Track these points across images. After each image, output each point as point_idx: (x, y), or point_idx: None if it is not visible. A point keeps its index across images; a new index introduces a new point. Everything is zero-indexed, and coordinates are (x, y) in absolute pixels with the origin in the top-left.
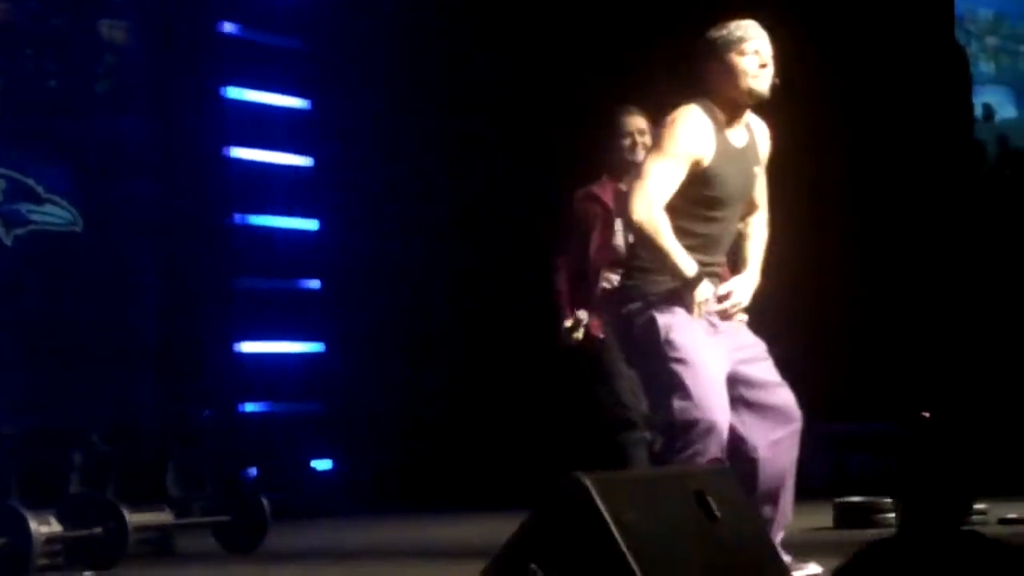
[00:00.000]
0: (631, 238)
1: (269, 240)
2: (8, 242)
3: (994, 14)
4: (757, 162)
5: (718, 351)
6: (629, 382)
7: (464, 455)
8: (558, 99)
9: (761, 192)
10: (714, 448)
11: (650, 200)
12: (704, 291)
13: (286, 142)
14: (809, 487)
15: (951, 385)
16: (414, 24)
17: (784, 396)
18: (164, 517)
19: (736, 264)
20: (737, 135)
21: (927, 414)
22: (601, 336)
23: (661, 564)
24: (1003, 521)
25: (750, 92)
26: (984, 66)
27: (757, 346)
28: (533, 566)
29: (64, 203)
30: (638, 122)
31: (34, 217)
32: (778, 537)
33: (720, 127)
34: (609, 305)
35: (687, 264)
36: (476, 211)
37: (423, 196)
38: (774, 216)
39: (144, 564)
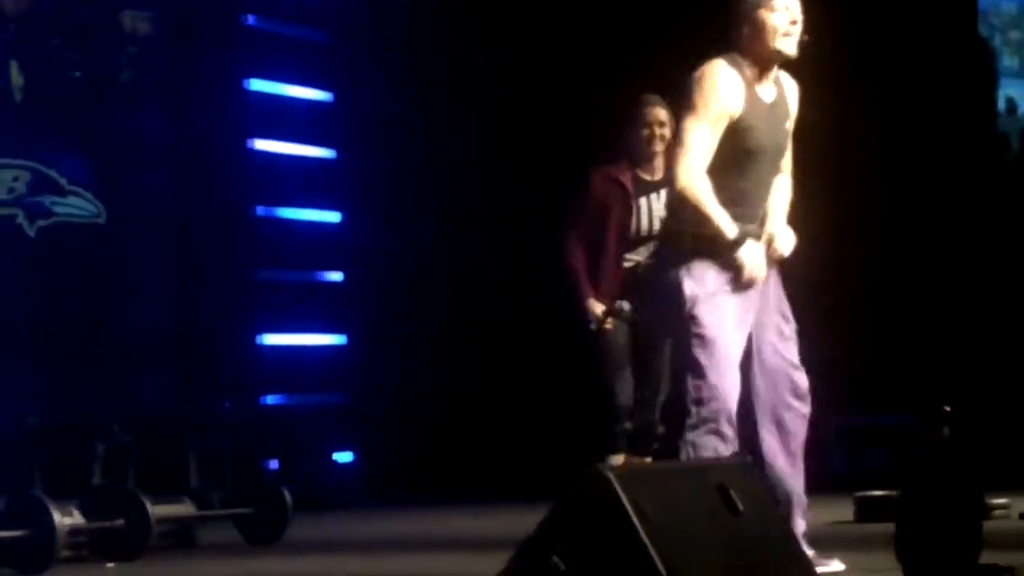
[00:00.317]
0: (655, 216)
1: (291, 232)
2: (32, 234)
3: (1017, 7)
4: (787, 117)
5: (742, 331)
6: (624, 379)
7: (485, 447)
8: (580, 93)
9: (787, 155)
10: (725, 426)
11: (691, 166)
12: (749, 253)
13: (309, 134)
14: (828, 481)
15: (971, 379)
16: (436, 17)
17: (800, 379)
18: (186, 509)
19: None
20: (766, 90)
21: (947, 408)
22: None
23: (682, 557)
24: None
25: (780, 50)
26: (1008, 60)
27: (790, 324)
28: (555, 558)
29: (88, 195)
30: (659, 114)
31: (57, 209)
32: (800, 526)
33: (749, 82)
34: (637, 278)
35: (730, 227)
36: (499, 204)
37: (445, 189)
38: (792, 209)
39: (166, 556)
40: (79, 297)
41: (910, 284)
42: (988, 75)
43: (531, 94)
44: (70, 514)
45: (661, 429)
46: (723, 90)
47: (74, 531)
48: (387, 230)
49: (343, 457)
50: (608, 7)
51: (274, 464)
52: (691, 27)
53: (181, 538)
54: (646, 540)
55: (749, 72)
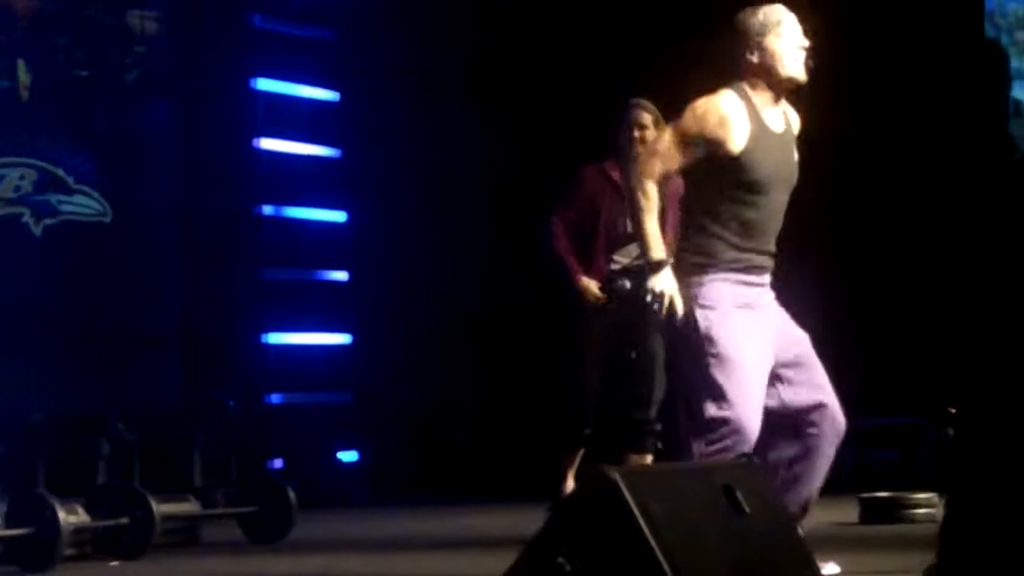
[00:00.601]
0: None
1: (297, 231)
2: (38, 232)
3: None
4: (794, 149)
5: (761, 346)
6: (596, 383)
7: (490, 446)
8: (588, 92)
9: None
10: (743, 448)
11: (643, 172)
12: (661, 281)
13: (315, 134)
14: (833, 481)
15: (977, 380)
16: (443, 16)
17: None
18: (191, 507)
19: None
20: (774, 119)
21: (953, 410)
22: None
23: (688, 557)
24: None
25: (791, 76)
26: (1015, 61)
27: (805, 344)
28: (561, 559)
29: (94, 194)
30: (645, 117)
31: (64, 208)
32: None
33: (756, 112)
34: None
35: (656, 247)
36: (504, 203)
37: (451, 188)
38: (801, 213)
39: (170, 554)
40: (85, 296)
41: (916, 285)
42: (999, 78)
43: (539, 94)
44: (75, 512)
45: (659, 426)
46: (719, 118)
47: (79, 529)
48: (392, 229)
49: (347, 456)
50: (621, 8)
51: (278, 463)
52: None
53: (185, 536)
54: (652, 541)
55: (756, 101)
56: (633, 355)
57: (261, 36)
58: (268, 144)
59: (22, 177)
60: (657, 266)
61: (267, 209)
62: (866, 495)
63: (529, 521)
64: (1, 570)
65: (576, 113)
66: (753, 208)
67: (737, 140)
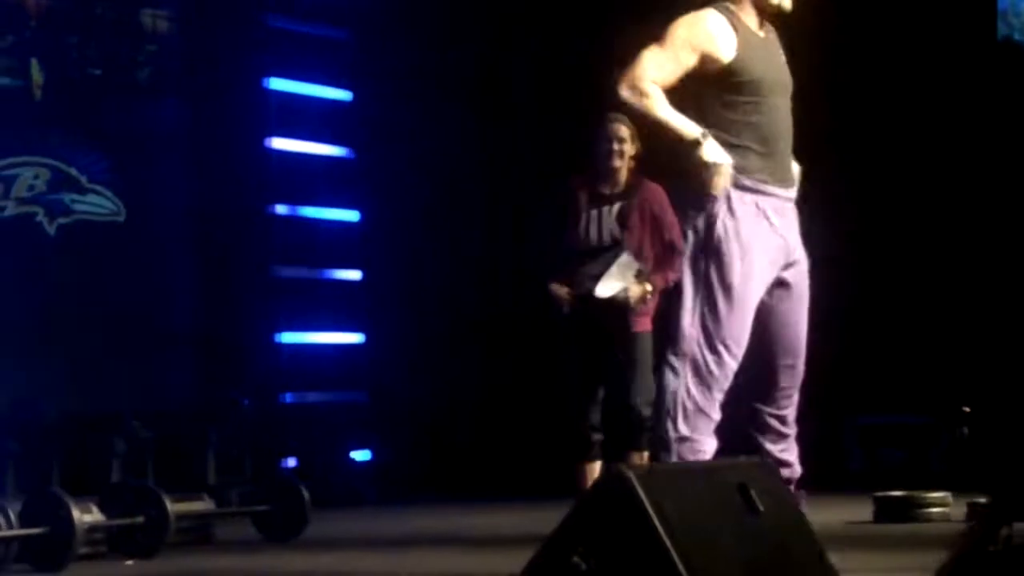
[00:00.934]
0: (604, 228)
1: (310, 231)
2: (51, 231)
3: None
4: (782, 54)
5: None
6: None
7: (502, 445)
8: (598, 92)
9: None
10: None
11: (633, 77)
12: (712, 151)
13: (327, 133)
14: (846, 480)
15: (990, 379)
16: (456, 16)
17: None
18: (205, 506)
19: None
20: (757, 28)
21: (966, 408)
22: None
23: (703, 555)
24: None
25: (779, 4)
26: None
27: (802, 267)
28: (576, 558)
29: (107, 193)
30: (621, 130)
31: (77, 207)
32: None
33: (740, 22)
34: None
35: (688, 126)
36: (516, 203)
37: (464, 188)
38: (814, 208)
39: (184, 552)
40: (98, 295)
41: (930, 284)
42: (1018, 78)
43: (552, 93)
44: (89, 511)
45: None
46: (702, 28)
47: (93, 528)
48: (405, 229)
49: (361, 455)
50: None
51: (292, 461)
52: None
53: (199, 535)
54: (666, 540)
55: (739, 15)
56: (620, 355)
57: (273, 35)
58: (280, 144)
59: (36, 176)
60: (698, 142)
61: (280, 208)
62: (880, 494)
63: (541, 520)
64: (16, 568)
65: (591, 114)
66: (757, 111)
67: (725, 49)
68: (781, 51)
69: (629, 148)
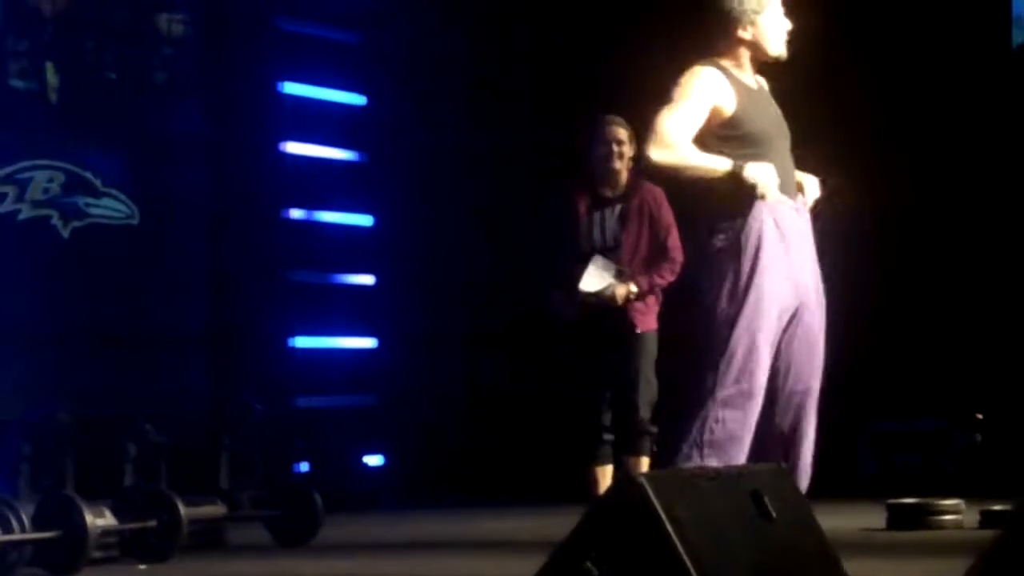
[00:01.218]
0: (607, 230)
1: (323, 235)
2: (65, 235)
3: None
4: (775, 104)
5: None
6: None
7: (516, 449)
8: (615, 92)
9: None
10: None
11: (656, 138)
12: (756, 170)
13: (342, 137)
14: (859, 487)
15: (1003, 384)
16: (470, 19)
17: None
18: (218, 510)
19: None
20: (750, 81)
21: (980, 415)
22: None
23: (715, 563)
24: None
25: (779, 55)
26: None
27: (819, 294)
28: (588, 564)
29: (122, 196)
30: (619, 132)
31: (91, 210)
32: None
33: (734, 76)
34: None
35: (721, 162)
36: (530, 207)
37: (477, 192)
38: (830, 223)
39: (197, 557)
40: (112, 298)
41: (944, 290)
42: None
43: (566, 98)
44: (102, 514)
45: (655, 428)
46: (707, 83)
47: (106, 532)
48: (418, 233)
49: (373, 459)
50: (649, 19)
51: (305, 466)
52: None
53: (212, 539)
54: (679, 546)
55: (733, 70)
56: (622, 355)
57: (288, 40)
58: (294, 148)
59: (51, 179)
60: (738, 170)
61: (294, 212)
62: (893, 501)
63: (554, 524)
64: (29, 572)
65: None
66: (763, 159)
67: (726, 103)
68: (774, 102)
69: (628, 149)
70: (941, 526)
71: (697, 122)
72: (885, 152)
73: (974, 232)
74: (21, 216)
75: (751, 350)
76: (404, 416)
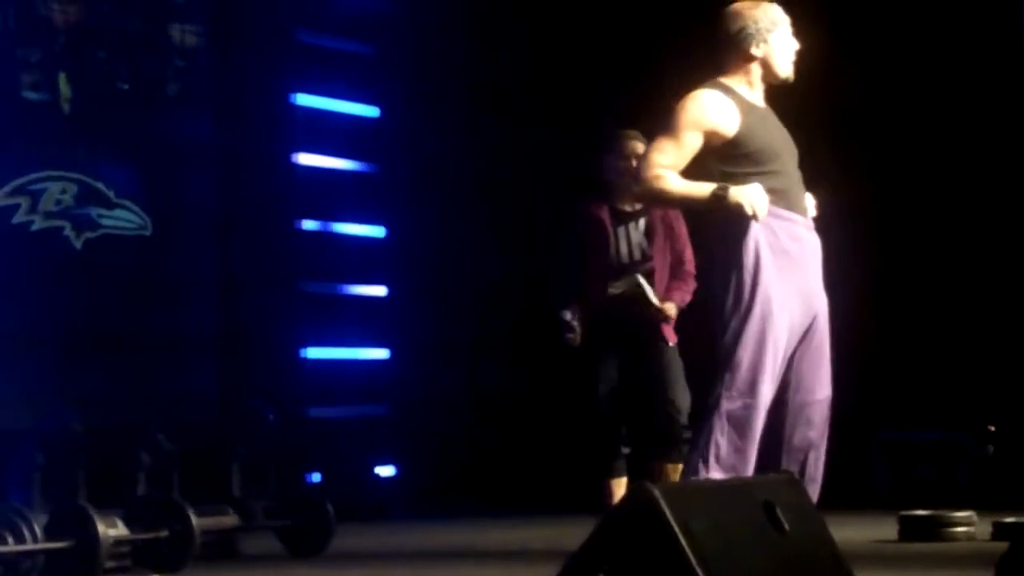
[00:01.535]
0: (634, 245)
1: (336, 246)
2: (78, 246)
3: None
4: (779, 123)
5: (777, 370)
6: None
7: (528, 459)
8: (631, 106)
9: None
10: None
11: (643, 170)
12: (743, 191)
13: (354, 149)
14: (871, 498)
15: (1015, 396)
16: (484, 32)
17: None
18: (230, 520)
19: None
20: (756, 99)
21: (993, 427)
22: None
23: (728, 574)
24: None
25: (788, 77)
26: None
27: (823, 314)
28: (601, 575)
29: (135, 207)
30: (637, 147)
31: (104, 221)
32: None
33: (738, 96)
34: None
35: (704, 187)
36: (544, 219)
37: (490, 204)
38: (838, 226)
39: (209, 567)
40: (124, 309)
41: (956, 301)
42: None
43: (579, 110)
44: (114, 524)
45: (688, 435)
46: (705, 108)
47: (118, 541)
48: (431, 244)
49: (385, 470)
50: (669, 21)
51: (317, 476)
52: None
53: (224, 549)
54: (692, 557)
55: (738, 88)
56: (654, 365)
57: (301, 51)
58: (307, 159)
59: (63, 191)
60: (721, 192)
61: (306, 223)
62: (905, 513)
63: (566, 535)
64: None
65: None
66: (771, 177)
67: (728, 123)
68: (779, 123)
69: None
70: (953, 538)
71: (689, 151)
72: (895, 159)
73: (989, 243)
74: (34, 227)
75: (756, 364)
76: (416, 426)
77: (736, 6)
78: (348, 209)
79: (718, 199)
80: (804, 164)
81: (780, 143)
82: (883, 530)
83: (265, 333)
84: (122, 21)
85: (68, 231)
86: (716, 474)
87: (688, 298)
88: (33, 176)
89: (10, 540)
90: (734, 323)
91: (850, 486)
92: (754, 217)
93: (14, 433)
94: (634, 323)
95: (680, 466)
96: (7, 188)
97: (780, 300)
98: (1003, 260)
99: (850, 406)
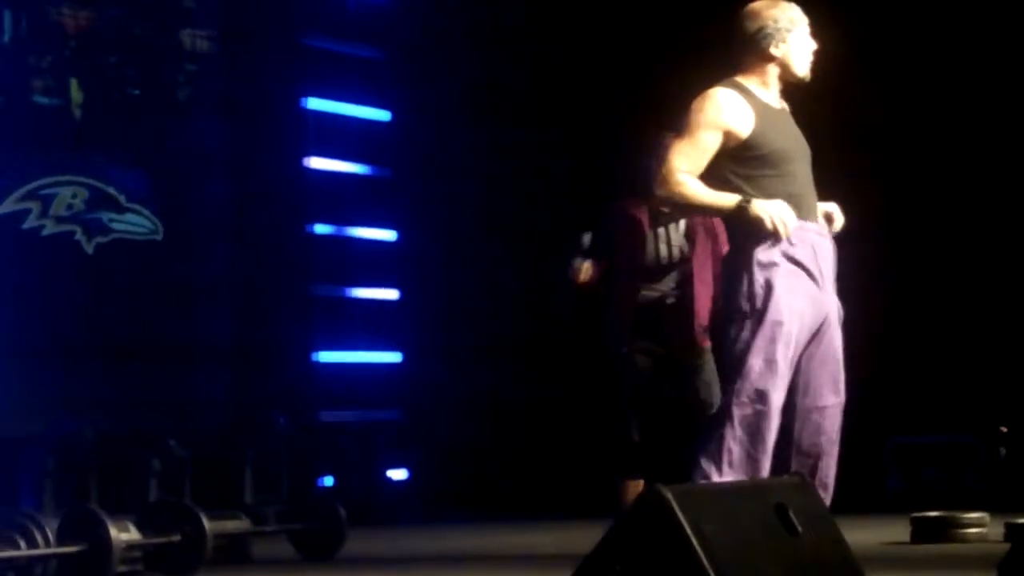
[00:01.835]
0: (673, 246)
1: (347, 250)
2: (89, 250)
3: None
4: (796, 126)
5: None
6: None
7: (539, 463)
8: (640, 112)
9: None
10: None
11: (664, 174)
12: (762, 205)
13: (366, 152)
14: (883, 500)
15: None
16: (494, 36)
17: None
18: (242, 524)
19: None
20: (772, 100)
21: (1005, 428)
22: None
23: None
24: None
25: (805, 77)
26: None
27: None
28: None
29: (145, 212)
30: None
31: (115, 226)
32: None
33: (753, 96)
34: (661, 310)
35: (728, 198)
36: (555, 221)
37: (501, 207)
38: (849, 231)
39: (221, 571)
40: (136, 313)
41: (968, 303)
42: None
43: (591, 114)
44: (126, 529)
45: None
46: (720, 109)
47: (130, 546)
48: (442, 248)
49: (397, 474)
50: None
51: (329, 480)
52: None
53: (236, 553)
54: (704, 560)
55: (753, 88)
56: (691, 362)
57: (311, 55)
58: (318, 163)
59: (74, 195)
60: (744, 205)
61: (318, 228)
62: (917, 515)
63: (578, 538)
64: None
65: (633, 131)
66: (784, 179)
67: (743, 124)
68: (794, 123)
69: None
70: (966, 539)
71: (707, 152)
72: (907, 162)
73: (999, 248)
74: (45, 232)
75: (768, 368)
76: (428, 430)
77: (755, 5)
78: (359, 213)
79: (742, 210)
80: (815, 170)
81: (794, 145)
82: (895, 532)
83: (277, 337)
84: (133, 26)
85: (79, 236)
86: (728, 477)
87: None
88: (44, 181)
89: (22, 544)
90: (745, 331)
91: (862, 490)
92: (776, 234)
93: (26, 438)
94: (667, 325)
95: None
96: (18, 193)
97: (791, 307)
98: (1013, 265)
99: (863, 410)
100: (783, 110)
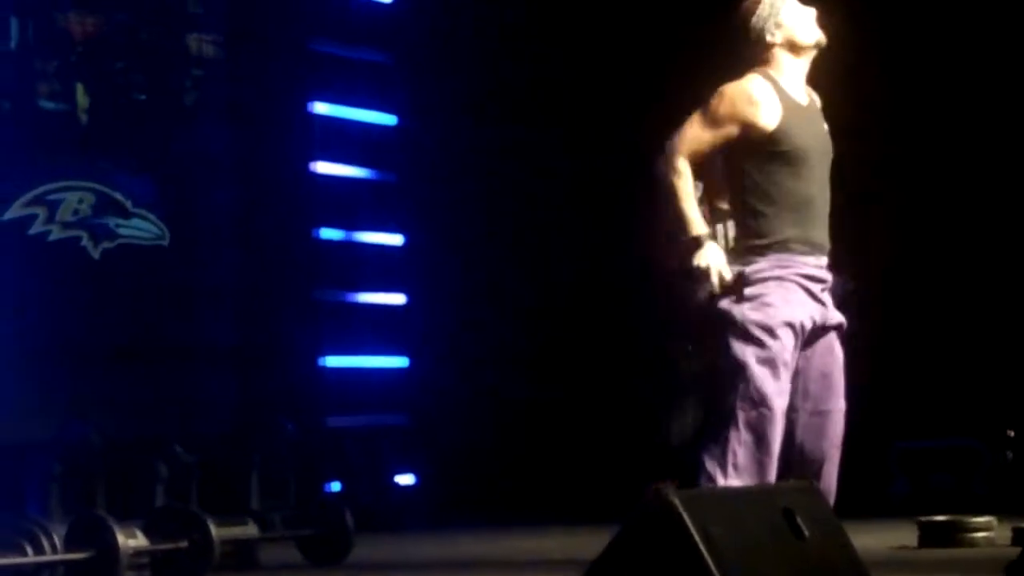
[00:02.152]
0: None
1: (354, 255)
2: (96, 256)
3: None
4: (823, 121)
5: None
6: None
7: (547, 468)
8: (648, 117)
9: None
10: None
11: (670, 151)
12: (707, 255)
13: (372, 157)
14: (890, 505)
15: None
16: (501, 40)
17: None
18: (249, 530)
19: None
20: (800, 95)
21: (1011, 432)
22: None
23: None
24: None
25: (817, 40)
26: None
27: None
28: None
29: (152, 217)
30: None
31: (122, 231)
32: None
33: (782, 90)
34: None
35: (697, 224)
36: (562, 226)
37: (508, 212)
38: (856, 234)
39: None
40: (142, 318)
41: (974, 307)
42: None
43: (598, 117)
44: (134, 535)
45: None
46: (744, 98)
47: (137, 552)
48: (449, 252)
49: (404, 479)
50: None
51: (336, 486)
52: None
53: (244, 559)
54: (711, 564)
55: (782, 81)
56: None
57: (318, 60)
58: (325, 167)
59: (80, 201)
60: (697, 242)
61: (324, 232)
62: (924, 519)
63: (586, 542)
64: None
65: (635, 135)
66: (796, 178)
67: (769, 118)
68: (823, 120)
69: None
70: (973, 543)
71: (721, 140)
72: (909, 167)
73: (1003, 251)
74: (51, 237)
75: (770, 372)
76: (435, 435)
77: (745, 3)
78: (366, 217)
79: (692, 242)
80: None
81: (815, 144)
82: (903, 536)
83: (283, 342)
84: (139, 32)
85: (85, 241)
86: (734, 482)
87: None
88: (50, 186)
89: (29, 551)
90: (742, 338)
91: (869, 494)
92: (711, 287)
93: (33, 444)
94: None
95: None
96: (25, 198)
97: (787, 313)
98: (1019, 269)
99: (868, 415)
100: (810, 105)
